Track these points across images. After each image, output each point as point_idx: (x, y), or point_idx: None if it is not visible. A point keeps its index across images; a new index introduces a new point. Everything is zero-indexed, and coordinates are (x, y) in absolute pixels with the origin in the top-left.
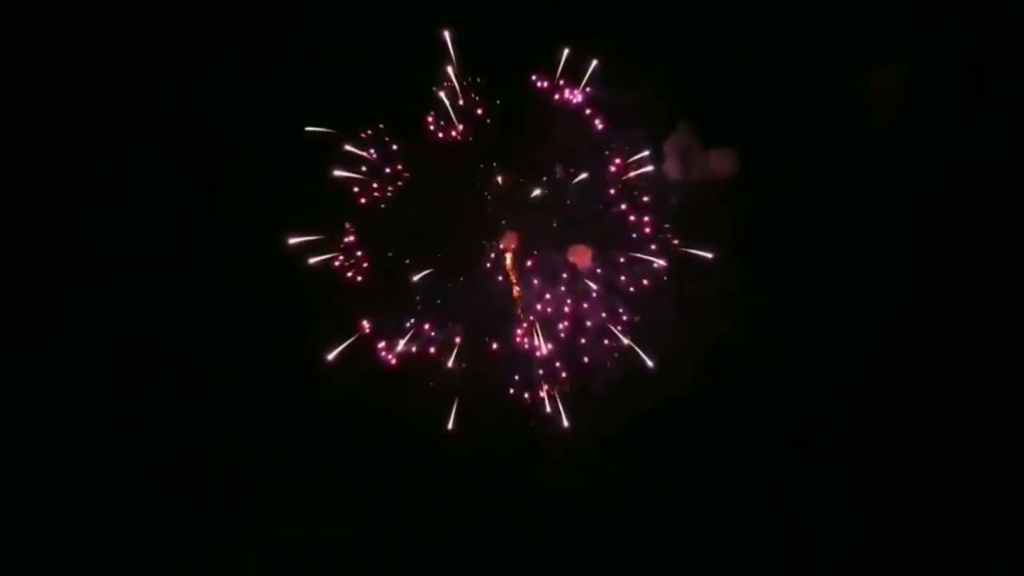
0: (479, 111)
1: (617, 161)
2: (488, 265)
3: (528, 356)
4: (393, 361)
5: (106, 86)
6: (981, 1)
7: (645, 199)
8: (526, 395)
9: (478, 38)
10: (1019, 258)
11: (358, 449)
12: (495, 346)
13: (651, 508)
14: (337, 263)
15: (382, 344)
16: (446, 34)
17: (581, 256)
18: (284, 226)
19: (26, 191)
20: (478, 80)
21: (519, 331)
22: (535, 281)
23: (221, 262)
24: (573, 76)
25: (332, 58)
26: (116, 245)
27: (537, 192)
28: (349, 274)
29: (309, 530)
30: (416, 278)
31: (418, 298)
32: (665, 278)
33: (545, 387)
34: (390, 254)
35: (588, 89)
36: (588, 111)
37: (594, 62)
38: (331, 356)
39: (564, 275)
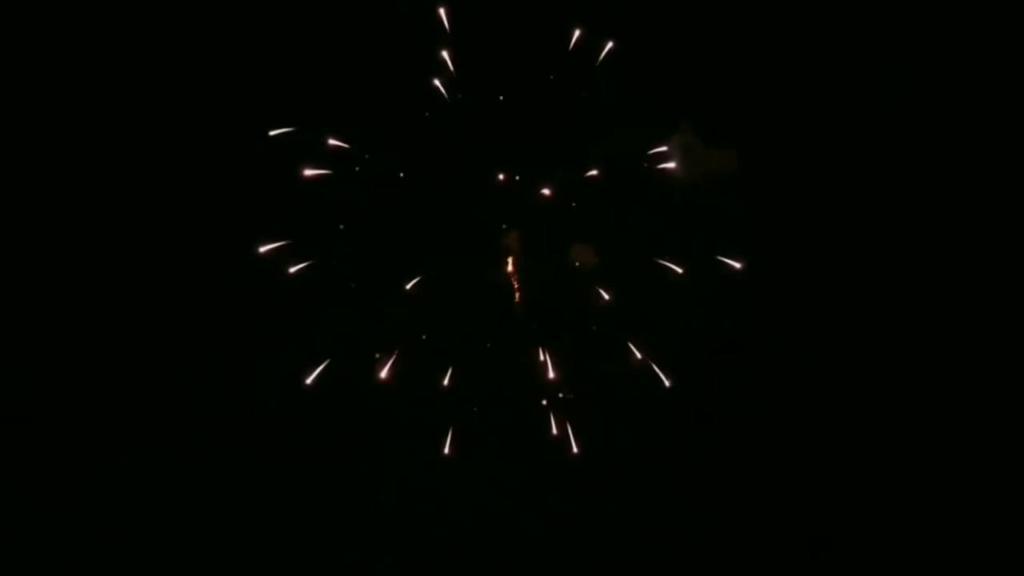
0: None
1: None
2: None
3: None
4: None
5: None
6: (981, 1)
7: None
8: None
9: (478, 38)
10: (1019, 258)
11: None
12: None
13: (651, 508)
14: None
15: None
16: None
17: (584, 255)
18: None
19: None
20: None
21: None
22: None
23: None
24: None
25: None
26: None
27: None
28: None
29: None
30: (409, 285)
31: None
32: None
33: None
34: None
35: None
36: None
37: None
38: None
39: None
